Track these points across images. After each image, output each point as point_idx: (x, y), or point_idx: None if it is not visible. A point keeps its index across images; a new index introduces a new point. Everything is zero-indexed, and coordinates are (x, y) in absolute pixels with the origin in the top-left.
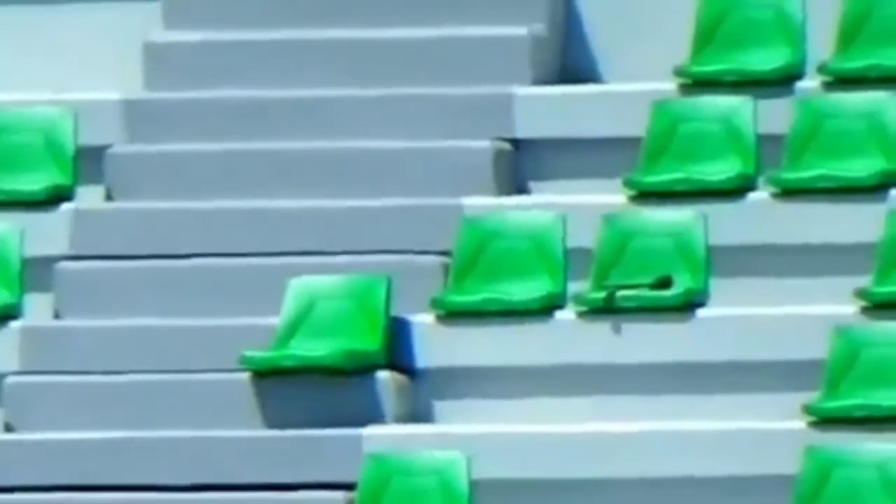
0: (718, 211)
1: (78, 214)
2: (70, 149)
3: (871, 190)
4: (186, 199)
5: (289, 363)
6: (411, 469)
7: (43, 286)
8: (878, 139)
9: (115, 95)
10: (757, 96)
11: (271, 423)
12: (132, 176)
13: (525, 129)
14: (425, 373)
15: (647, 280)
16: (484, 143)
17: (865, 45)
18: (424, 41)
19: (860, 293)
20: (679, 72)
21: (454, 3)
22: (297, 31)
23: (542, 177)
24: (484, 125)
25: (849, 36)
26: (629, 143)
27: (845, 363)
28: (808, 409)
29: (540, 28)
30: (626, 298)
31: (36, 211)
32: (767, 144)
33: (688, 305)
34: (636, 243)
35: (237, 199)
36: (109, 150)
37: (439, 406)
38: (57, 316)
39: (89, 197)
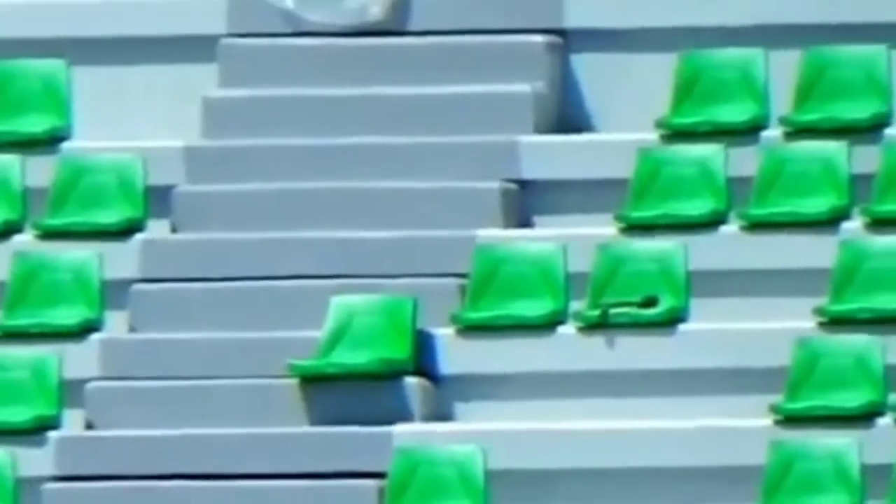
0: (696, 241)
1: (147, 244)
2: (140, 188)
3: (825, 224)
4: (240, 231)
5: (330, 370)
6: (434, 461)
7: (119, 304)
8: (830, 181)
9: (178, 143)
10: (727, 144)
11: (314, 422)
12: (193, 211)
13: (529, 172)
14: (447, 378)
15: (636, 300)
16: (494, 184)
17: (819, 101)
18: (445, 97)
19: (818, 311)
20: (660, 123)
21: (470, 64)
22: (332, 88)
23: (544, 212)
24: (494, 168)
25: (805, 93)
26: (619, 183)
27: (805, 370)
28: (773, 409)
29: (541, 86)
30: (618, 315)
31: (112, 241)
32: (737, 185)
33: (671, 321)
34: (626, 269)
35: (283, 230)
36: (174, 190)
37: (459, 407)
38: (131, 330)
39: (157, 229)
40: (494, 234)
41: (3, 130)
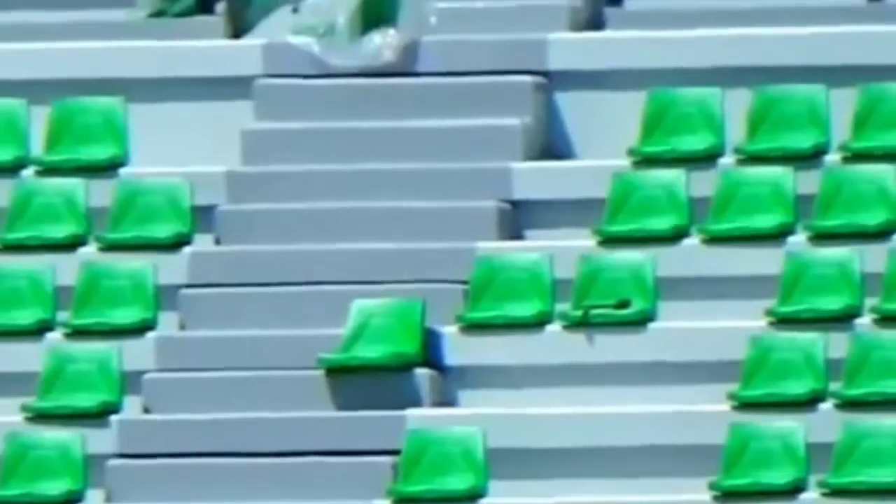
0: (662, 253)
1: (194, 255)
2: (188, 207)
3: (774, 237)
4: (274, 244)
5: (352, 363)
6: (441, 441)
7: (171, 306)
8: (778, 200)
9: (220, 168)
10: (689, 169)
11: (338, 407)
12: (233, 227)
13: (520, 193)
14: (451, 369)
15: (612, 302)
16: (490, 203)
17: (768, 132)
18: (448, 129)
19: (768, 312)
20: (632, 152)
21: (469, 101)
22: (351, 122)
23: (533, 227)
24: (490, 190)
25: (755, 126)
26: (596, 203)
27: (758, 363)
28: (731, 397)
29: (529, 120)
30: (597, 316)
31: (164, 252)
32: (697, 204)
33: (641, 321)
34: (603, 276)
35: (310, 243)
36: (217, 209)
37: (462, 394)
38: (181, 328)
39: (202, 242)
40: (491, 246)
41: (71, 158)
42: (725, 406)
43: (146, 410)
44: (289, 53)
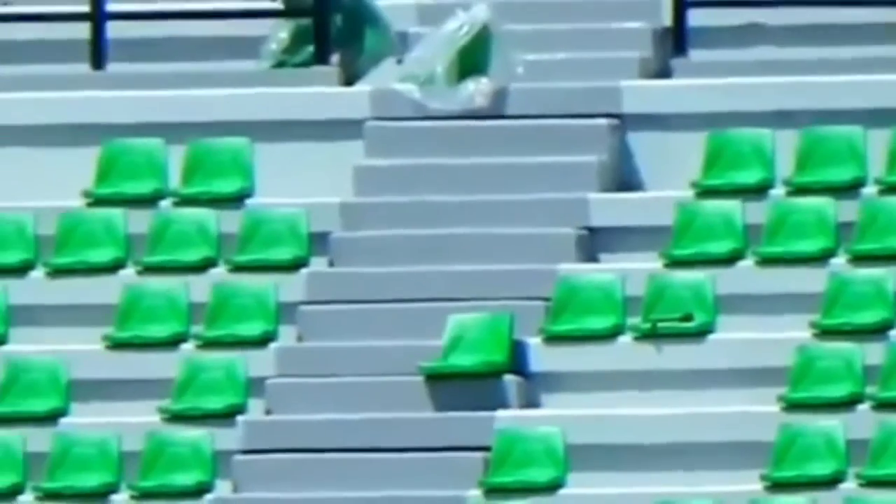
0: (721, 273)
1: (311, 275)
2: (305, 234)
3: (817, 259)
4: (381, 266)
5: (448, 370)
6: (526, 438)
7: (290, 321)
8: (821, 227)
9: (335, 200)
10: (744, 200)
11: (437, 409)
12: (346, 251)
13: (596, 221)
14: (536, 375)
15: (677, 316)
16: (570, 230)
17: (813, 168)
18: (533, 164)
19: (813, 324)
20: (694, 185)
21: (552, 140)
22: (448, 158)
23: (607, 250)
24: (570, 218)
25: (803, 161)
26: (663, 230)
27: (804, 369)
28: (780, 399)
29: (605, 157)
30: (663, 328)
31: (285, 273)
32: (752, 231)
33: (702, 332)
34: (669, 293)
35: (414, 265)
36: (331, 235)
37: (545, 397)
38: (299, 340)
39: (318, 264)
40: (571, 267)
41: (203, 191)
42: (775, 407)
43: (268, 412)
44: (394, 99)
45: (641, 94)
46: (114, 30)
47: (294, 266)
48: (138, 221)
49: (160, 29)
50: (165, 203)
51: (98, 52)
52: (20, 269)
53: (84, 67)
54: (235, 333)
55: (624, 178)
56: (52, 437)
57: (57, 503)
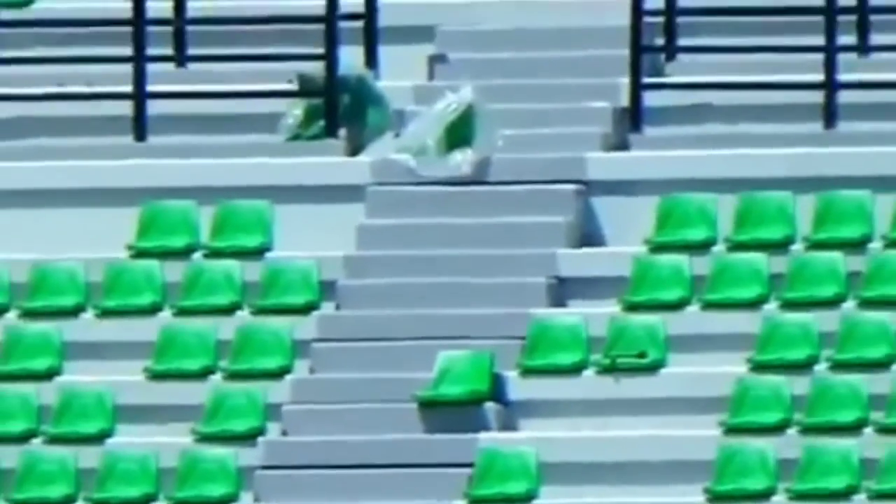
0: (671, 317)
1: (321, 318)
2: (316, 282)
3: (753, 305)
4: (381, 309)
5: (438, 399)
6: (505, 456)
7: (304, 355)
8: (756, 278)
9: (340, 253)
10: (691, 255)
11: (428, 430)
12: (350, 297)
13: (565, 271)
14: (512, 403)
15: (633, 353)
16: (541, 280)
17: (750, 227)
18: (509, 223)
19: (749, 360)
20: (648, 241)
21: (525, 203)
22: (437, 218)
23: (575, 297)
24: (541, 269)
25: (741, 221)
26: (621, 280)
27: (740, 398)
28: (720, 423)
29: (571, 217)
30: (622, 363)
31: (299, 315)
32: (697, 281)
33: (655, 367)
34: (626, 333)
35: (409, 309)
36: (338, 283)
37: (521, 422)
38: (311, 372)
39: (327, 308)
40: (542, 311)
41: (229, 245)
42: (716, 431)
43: (284, 434)
44: (392, 167)
45: (603, 164)
46: (153, 107)
47: (307, 309)
48: (173, 271)
49: (193, 106)
50: (197, 255)
51: (140, 127)
52: (73, 311)
53: (128, 139)
54: (257, 367)
55: (588, 235)
56: (100, 454)
57: None
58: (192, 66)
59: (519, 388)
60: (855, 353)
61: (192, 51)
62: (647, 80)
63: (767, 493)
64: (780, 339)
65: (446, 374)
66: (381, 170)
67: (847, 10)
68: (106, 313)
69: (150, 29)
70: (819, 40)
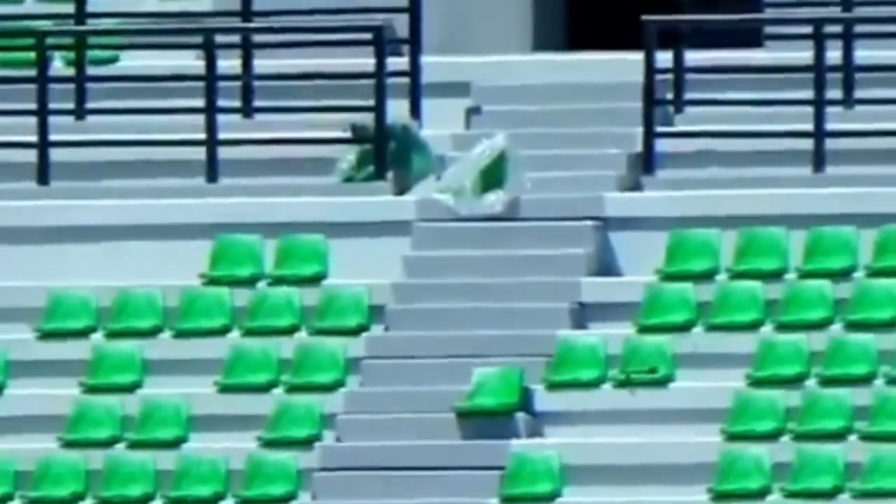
0: (679, 337)
1: (370, 339)
2: (367, 306)
3: (751, 327)
4: (425, 331)
5: (474, 409)
6: (533, 460)
7: (355, 371)
8: (754, 304)
9: (388, 281)
10: (696, 283)
11: (466, 437)
12: (398, 320)
13: (586, 297)
14: (540, 413)
15: (646, 369)
16: (565, 305)
17: (749, 258)
18: (538, 255)
19: (747, 376)
20: (658, 271)
21: (551, 237)
22: (474, 250)
23: (595, 320)
24: (566, 295)
25: (741, 253)
26: (636, 305)
27: (740, 410)
28: (722, 431)
29: (591, 249)
30: (636, 378)
31: (351, 336)
32: (702, 306)
33: (665, 382)
34: (640, 352)
35: (450, 331)
36: (387, 307)
37: (547, 430)
38: (361, 385)
39: (377, 330)
40: (567, 332)
41: (290, 273)
42: (719, 438)
43: (338, 440)
44: (434, 206)
45: (619, 203)
46: (223, 153)
47: (358, 331)
48: (241, 297)
49: (259, 152)
50: (261, 283)
51: (212, 170)
52: (152, 332)
53: (201, 181)
54: (314, 381)
55: (606, 266)
56: (176, 458)
57: None
58: (258, 117)
59: (545, 400)
60: (841, 369)
61: (257, 103)
62: (658, 129)
63: (764, 493)
64: (774, 357)
65: (481, 388)
66: (424, 208)
67: (834, 69)
68: (181, 334)
69: (221, 84)
70: (809, 94)
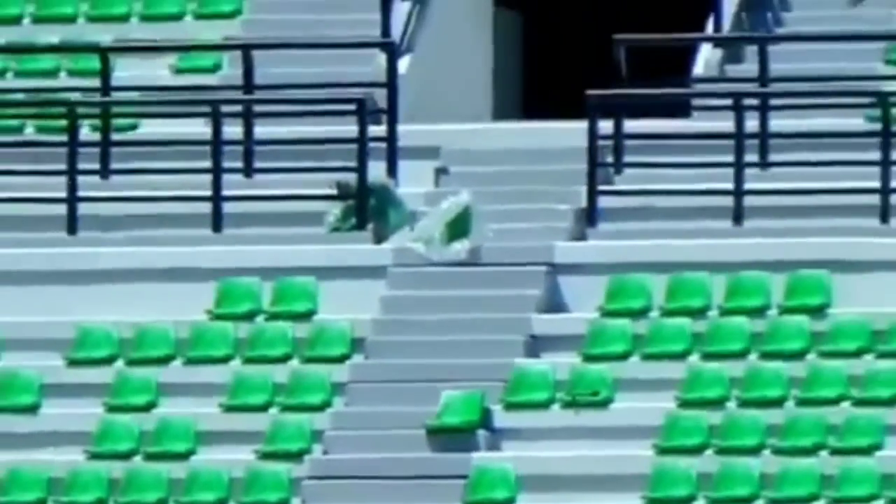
0: (618, 365)
1: (353, 366)
2: (349, 338)
3: (681, 357)
4: (398, 359)
5: (442, 427)
6: (492, 470)
7: (341, 394)
8: (682, 338)
9: (368, 316)
10: (632, 319)
11: (434, 451)
12: (376, 350)
13: (538, 330)
14: (498, 430)
15: (589, 392)
16: (520, 337)
17: (677, 299)
18: (496, 295)
19: (676, 398)
20: (600, 308)
21: (511, 280)
22: (441, 291)
23: (546, 350)
24: (520, 329)
25: (670, 296)
26: (581, 337)
27: (670, 428)
28: (655, 446)
29: (542, 291)
30: (581, 400)
31: (337, 364)
32: (637, 339)
33: (606, 403)
34: (584, 377)
35: (420, 359)
36: (367, 340)
37: (504, 444)
38: (346, 406)
39: (358, 358)
40: (521, 360)
41: (284, 310)
42: (652, 452)
43: (325, 453)
44: (408, 253)
45: (567, 251)
46: (226, 207)
47: (343, 359)
48: (242, 330)
49: (257, 206)
50: (259, 319)
51: (217, 221)
52: (165, 360)
53: (208, 231)
54: (305, 402)
55: (555, 304)
56: (186, 468)
57: None
58: (257, 177)
59: (503, 419)
60: (757, 393)
61: (257, 164)
62: (600, 188)
63: (690, 500)
64: (700, 382)
65: (447, 408)
66: (399, 255)
67: (752, 136)
68: (190, 362)
69: (225, 148)
70: (730, 158)
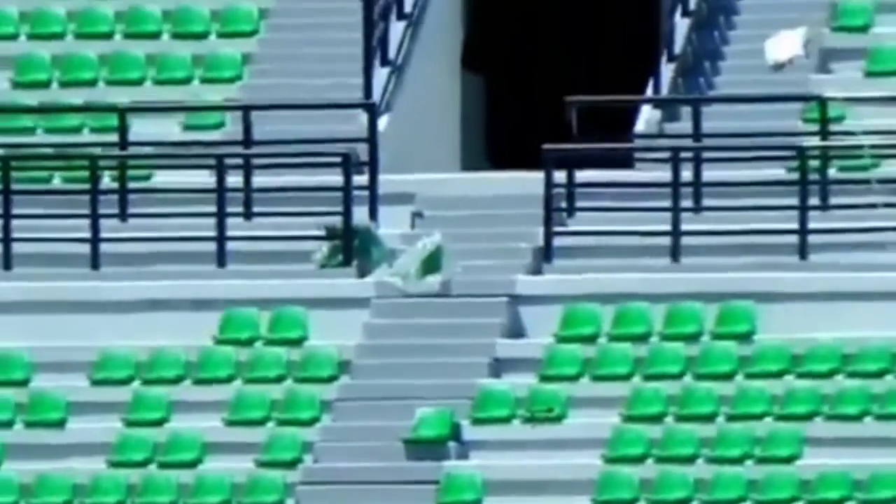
0: (572, 385)
1: (341, 386)
2: (336, 362)
3: (624, 378)
4: (380, 380)
5: (418, 439)
6: (461, 477)
7: (329, 411)
8: (625, 362)
9: (353, 342)
10: (583, 343)
11: (410, 460)
12: (360, 372)
13: (501, 354)
14: (467, 442)
15: (545, 408)
16: (485, 360)
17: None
18: (465, 324)
19: (621, 414)
20: (554, 335)
21: (477, 310)
22: (417, 319)
23: (507, 371)
24: (485, 353)
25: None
26: (538, 360)
27: (616, 439)
28: (602, 456)
29: (504, 319)
30: (538, 416)
31: (325, 384)
32: (587, 362)
33: (560, 418)
34: (541, 395)
35: (398, 380)
36: (352, 362)
37: (472, 454)
38: (333, 421)
39: (345, 380)
40: (486, 381)
41: (279, 337)
42: (600, 461)
43: (316, 461)
44: (388, 286)
45: (526, 284)
46: (230, 245)
47: (331, 380)
48: (243, 354)
49: (256, 245)
50: (258, 344)
51: (221, 258)
52: (176, 380)
53: (213, 267)
54: (297, 417)
55: (515, 330)
56: (194, 475)
57: None
58: (256, 220)
59: (470, 432)
60: (692, 409)
61: (256, 209)
62: (555, 229)
63: (633, 502)
64: (642, 400)
65: (422, 423)
66: (380, 288)
67: (687, 185)
68: (198, 382)
69: (228, 195)
70: (668, 203)
